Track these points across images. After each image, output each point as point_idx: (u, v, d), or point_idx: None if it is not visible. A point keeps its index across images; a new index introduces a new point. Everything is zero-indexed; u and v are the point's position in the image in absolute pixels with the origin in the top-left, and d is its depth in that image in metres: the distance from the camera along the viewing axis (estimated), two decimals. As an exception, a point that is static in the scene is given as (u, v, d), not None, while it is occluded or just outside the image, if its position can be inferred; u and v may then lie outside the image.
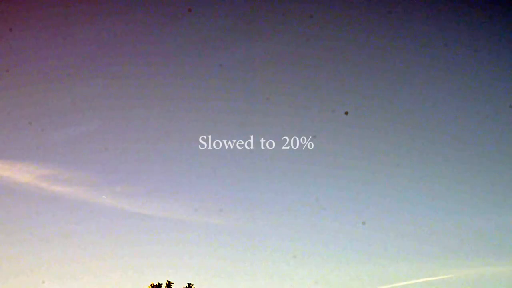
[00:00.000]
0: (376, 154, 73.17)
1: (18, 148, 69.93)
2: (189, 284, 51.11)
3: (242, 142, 70.42)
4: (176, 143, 73.87)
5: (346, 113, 68.49)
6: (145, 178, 71.83)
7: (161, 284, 50.61)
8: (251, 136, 71.23)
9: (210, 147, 72.64)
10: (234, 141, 72.60)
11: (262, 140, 72.07)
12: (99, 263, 63.77)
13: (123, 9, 70.46)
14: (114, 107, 73.54)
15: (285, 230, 69.62)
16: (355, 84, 73.15)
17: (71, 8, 69.06)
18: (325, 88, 73.32)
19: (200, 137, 73.24)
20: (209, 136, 73.48)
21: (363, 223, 67.24)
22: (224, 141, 71.88)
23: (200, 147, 73.00)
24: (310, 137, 70.94)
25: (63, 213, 68.25)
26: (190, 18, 71.11)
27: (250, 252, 66.62)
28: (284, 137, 73.23)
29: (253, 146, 71.27)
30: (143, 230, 67.62)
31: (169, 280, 50.85)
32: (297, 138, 72.27)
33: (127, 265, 63.26)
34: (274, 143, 72.20)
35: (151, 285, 50.62)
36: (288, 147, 72.42)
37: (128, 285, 58.78)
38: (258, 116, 72.15)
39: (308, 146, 68.33)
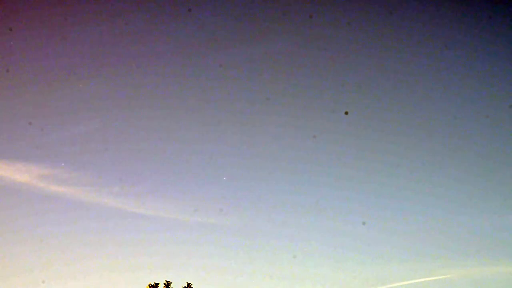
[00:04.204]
0: (376, 154, 73.17)
1: (17, 148, 70.09)
2: (188, 284, 51.09)
3: (242, 142, 70.62)
4: (176, 143, 73.98)
5: (346, 113, 68.48)
6: (145, 178, 71.89)
7: (158, 284, 50.58)
8: (251, 136, 71.43)
9: (210, 147, 72.89)
10: (234, 140, 72.79)
11: (262, 140, 72.25)
12: (99, 263, 63.84)
13: (123, 9, 70.54)
14: (114, 107, 73.69)
15: (285, 230, 69.66)
16: (355, 84, 73.14)
17: (71, 8, 69.19)
18: (325, 88, 73.34)
19: (200, 137, 73.49)
20: (209, 136, 73.68)
21: (363, 223, 67.26)
22: (224, 141, 72.10)
23: (200, 147, 73.26)
24: (311, 137, 71.11)
25: (62, 213, 68.38)
26: (190, 18, 71.18)
27: (250, 252, 66.65)
28: (284, 137, 73.43)
29: (253, 146, 71.47)
30: (143, 230, 67.70)
31: (167, 280, 50.84)
32: (297, 138, 72.53)
33: (126, 265, 63.35)
34: (274, 143, 72.43)
35: (149, 285, 50.61)
36: (288, 147, 72.68)
37: (127, 285, 58.82)
38: (258, 116, 72.21)
39: (309, 146, 68.53)
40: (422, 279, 61.93)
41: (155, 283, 50.48)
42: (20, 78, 70.33)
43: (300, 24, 70.62)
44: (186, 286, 51.11)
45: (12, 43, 68.23)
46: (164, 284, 50.43)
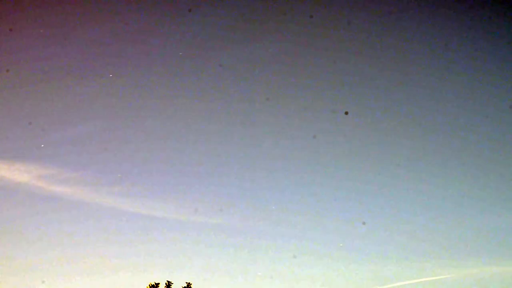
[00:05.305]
0: (376, 154, 73.21)
1: (17, 148, 70.05)
2: (187, 284, 51.09)
3: (242, 142, 70.61)
4: (176, 143, 73.98)
5: (346, 113, 68.56)
6: (145, 178, 71.87)
7: (158, 284, 50.59)
8: (251, 136, 71.43)
9: (210, 147, 72.91)
10: (234, 140, 72.81)
11: (262, 140, 72.24)
12: (99, 263, 63.83)
13: (123, 9, 70.57)
14: (114, 107, 73.68)
15: (285, 230, 69.64)
16: (355, 84, 73.19)
17: (71, 8, 69.21)
18: (325, 88, 73.37)
19: (200, 137, 73.49)
20: (209, 136, 73.69)
21: (363, 223, 67.30)
22: (224, 141, 72.10)
23: (199, 147, 73.24)
24: (311, 137, 71.14)
25: (61, 213, 68.30)
26: (190, 18, 71.19)
27: (250, 252, 66.65)
28: (284, 137, 73.43)
29: (253, 146, 71.50)
30: (143, 230, 67.66)
31: (168, 280, 50.86)
32: (297, 138, 72.50)
33: (126, 265, 63.34)
34: (274, 143, 72.42)
35: (149, 285, 50.61)
36: (288, 147, 72.65)
37: (127, 285, 58.80)
38: (258, 116, 72.21)
39: (309, 146, 68.58)
40: (422, 279, 62.01)
41: (155, 283, 50.49)
42: (20, 78, 70.38)
43: (300, 24, 70.70)
44: (186, 286, 51.14)
45: (12, 43, 68.32)
46: (165, 284, 50.44)
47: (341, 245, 66.24)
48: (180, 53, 70.17)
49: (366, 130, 73.39)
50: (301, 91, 73.79)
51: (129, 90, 73.27)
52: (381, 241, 67.97)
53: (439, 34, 70.13)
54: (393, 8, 68.80)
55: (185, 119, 73.87)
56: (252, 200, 71.29)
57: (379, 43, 71.72)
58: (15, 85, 69.69)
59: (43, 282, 57.57)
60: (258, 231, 69.15)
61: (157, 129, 73.90)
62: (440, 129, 73.57)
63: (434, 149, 73.03)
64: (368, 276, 63.67)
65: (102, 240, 66.61)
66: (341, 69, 73.00)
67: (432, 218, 69.63)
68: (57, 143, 71.83)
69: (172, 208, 69.40)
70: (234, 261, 65.78)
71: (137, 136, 73.80)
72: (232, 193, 71.59)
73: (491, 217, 67.65)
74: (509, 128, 70.13)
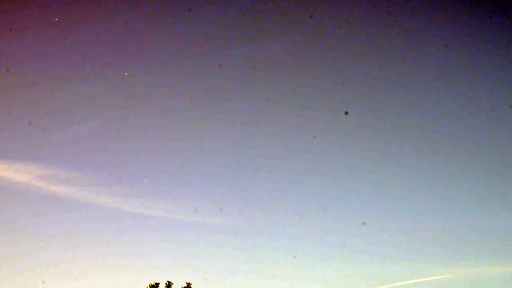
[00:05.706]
0: (376, 154, 73.19)
1: (16, 148, 70.04)
2: (187, 284, 51.06)
3: (242, 142, 70.63)
4: (176, 143, 73.96)
5: (346, 113, 68.52)
6: (145, 178, 71.85)
7: (158, 284, 50.56)
8: (251, 136, 71.43)
9: (209, 147, 72.93)
10: (233, 140, 72.81)
11: (262, 140, 72.25)
12: (98, 263, 63.82)
13: (123, 9, 70.54)
14: (114, 107, 73.66)
15: (285, 230, 69.66)
16: (355, 84, 73.16)
17: (71, 8, 69.19)
18: (325, 88, 73.34)
19: (200, 137, 73.50)
20: (209, 136, 73.70)
21: (363, 223, 67.30)
22: (224, 141, 72.12)
23: (199, 147, 73.27)
24: (311, 137, 71.12)
25: (61, 213, 68.30)
26: (190, 18, 71.18)
27: (250, 252, 66.64)
28: (284, 137, 73.42)
29: (253, 146, 71.50)
30: (143, 230, 67.66)
31: (168, 280, 50.84)
32: (297, 138, 72.50)
33: (126, 265, 63.32)
34: (274, 143, 72.43)
35: (149, 285, 50.58)
36: (288, 147, 72.65)
37: (127, 285, 58.79)
38: (258, 116, 72.21)
39: (309, 146, 68.57)
40: (422, 279, 62.01)
41: (155, 283, 50.45)
42: (20, 78, 70.35)
43: (300, 24, 70.69)
44: (185, 286, 51.10)
45: (12, 43, 68.31)
46: (165, 284, 50.40)
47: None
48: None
49: (366, 130, 73.42)
50: (301, 91, 73.80)
51: (129, 90, 73.30)
52: (381, 241, 68.04)
53: (439, 34, 70.17)
54: (393, 8, 68.82)
55: (185, 119, 73.91)
56: (252, 200, 71.35)
57: (379, 43, 71.77)
58: (15, 85, 69.74)
59: (43, 282, 57.61)
60: (258, 231, 69.21)
61: (157, 129, 73.94)
62: (440, 129, 73.60)
63: (434, 149, 73.07)
64: (368, 276, 63.74)
65: (102, 240, 66.67)
66: (341, 69, 73.04)
67: (432, 218, 69.68)
68: (57, 143, 71.89)
69: (172, 208, 69.45)
70: (234, 261, 65.85)
71: (137, 136, 73.83)
72: (232, 193, 71.65)
73: (491, 217, 67.70)
74: (509, 128, 70.16)
